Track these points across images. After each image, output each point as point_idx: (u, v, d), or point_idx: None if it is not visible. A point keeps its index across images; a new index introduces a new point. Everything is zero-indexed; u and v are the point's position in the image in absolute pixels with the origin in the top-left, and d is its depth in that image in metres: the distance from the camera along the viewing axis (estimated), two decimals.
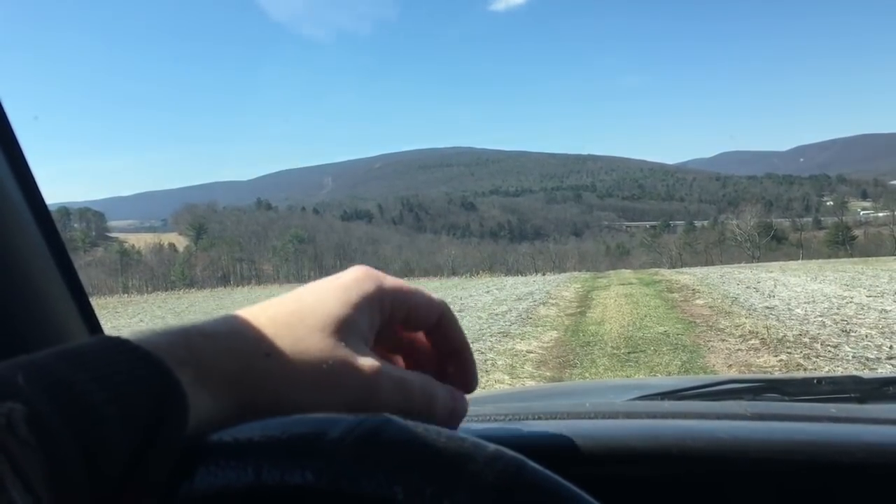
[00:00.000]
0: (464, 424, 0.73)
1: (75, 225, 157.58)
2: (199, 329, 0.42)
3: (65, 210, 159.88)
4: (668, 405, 0.88)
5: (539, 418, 0.78)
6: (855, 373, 1.27)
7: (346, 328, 0.44)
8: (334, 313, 0.45)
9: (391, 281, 0.49)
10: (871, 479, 0.63)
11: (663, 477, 0.66)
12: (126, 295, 52.14)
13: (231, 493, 0.35)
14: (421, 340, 0.53)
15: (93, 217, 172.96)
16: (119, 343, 0.38)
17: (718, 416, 0.75)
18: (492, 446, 0.36)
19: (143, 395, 0.36)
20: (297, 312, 0.45)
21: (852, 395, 1.12)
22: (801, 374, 1.88)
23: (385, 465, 0.34)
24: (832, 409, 0.78)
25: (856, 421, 0.74)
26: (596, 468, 0.66)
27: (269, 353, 0.42)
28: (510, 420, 0.78)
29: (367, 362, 0.44)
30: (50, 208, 0.79)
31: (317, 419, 0.38)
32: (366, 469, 0.34)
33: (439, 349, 0.53)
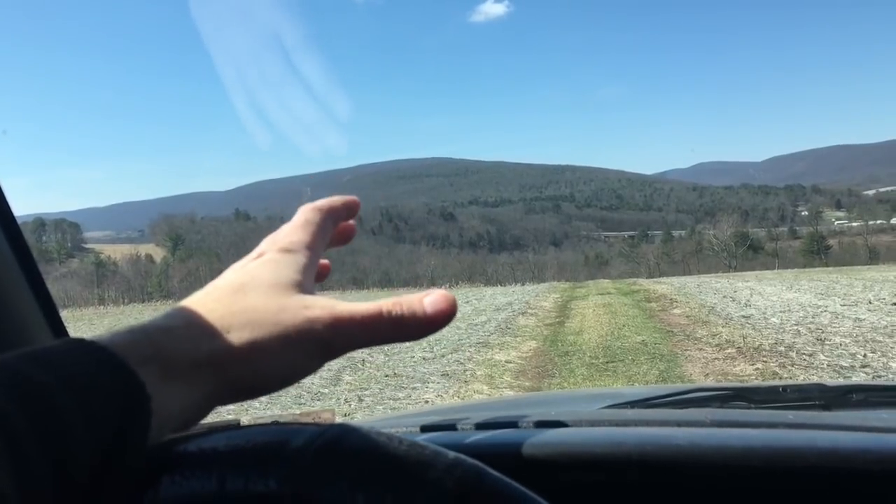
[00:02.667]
0: (429, 435, 0.76)
1: (50, 236, 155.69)
2: (156, 325, 0.43)
3: (40, 221, 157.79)
4: (631, 413, 0.90)
5: (504, 427, 0.79)
6: (824, 380, 1.30)
7: (290, 287, 0.46)
8: (271, 279, 0.46)
9: (292, 235, 0.51)
10: (826, 484, 0.64)
11: (624, 483, 0.67)
12: (102, 306, 51.41)
13: (195, 502, 0.35)
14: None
15: (68, 228, 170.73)
16: (83, 345, 0.39)
17: (679, 424, 0.77)
18: (452, 454, 0.36)
19: (107, 397, 0.36)
20: (239, 288, 0.46)
21: (817, 402, 1.15)
22: (767, 383, 1.92)
23: (347, 473, 0.34)
24: (790, 415, 0.80)
25: (813, 427, 0.75)
26: (557, 475, 0.67)
27: (228, 329, 0.43)
28: (475, 430, 0.79)
29: (319, 308, 0.45)
30: (25, 219, 0.80)
31: (280, 429, 0.38)
32: (328, 477, 0.34)
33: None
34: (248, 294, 0.45)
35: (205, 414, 0.43)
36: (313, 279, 0.50)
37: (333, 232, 0.55)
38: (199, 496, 0.35)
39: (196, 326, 0.43)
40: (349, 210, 0.57)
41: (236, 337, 0.43)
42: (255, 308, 0.44)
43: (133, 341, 0.41)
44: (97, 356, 0.38)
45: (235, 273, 0.48)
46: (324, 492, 0.34)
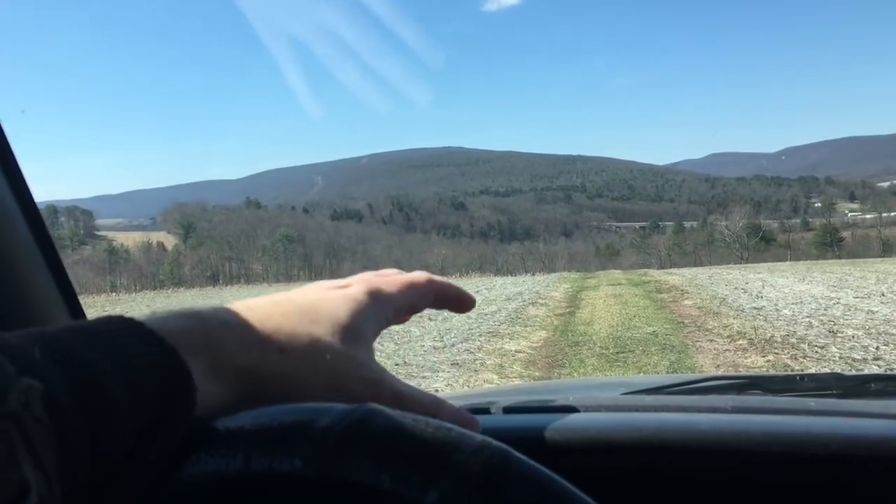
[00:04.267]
0: None
1: (63, 223, 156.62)
2: (216, 317, 0.43)
3: (53, 208, 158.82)
4: (650, 399, 0.89)
5: (527, 412, 0.79)
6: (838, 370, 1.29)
7: (356, 336, 0.46)
8: (346, 321, 0.46)
9: (390, 289, 0.51)
10: (848, 470, 0.64)
11: (644, 468, 0.67)
12: (114, 293, 51.84)
13: (220, 479, 0.36)
14: None
15: (81, 215, 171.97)
16: (133, 325, 0.38)
17: (700, 410, 0.76)
18: (478, 437, 0.36)
19: (154, 381, 0.36)
20: (310, 313, 0.46)
21: (834, 391, 1.13)
22: (784, 372, 1.91)
23: (372, 453, 0.34)
24: (811, 403, 0.79)
25: (834, 414, 0.75)
26: (579, 459, 0.67)
27: (283, 349, 0.43)
28: (496, 413, 0.79)
29: (373, 374, 0.46)
30: (38, 206, 0.80)
31: (307, 408, 0.38)
32: (353, 457, 0.34)
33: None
34: (317, 323, 0.45)
35: (227, 414, 0.41)
36: (378, 333, 0.50)
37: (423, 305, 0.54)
38: (225, 474, 0.36)
39: (254, 333, 0.43)
40: (460, 302, 0.55)
41: (288, 360, 0.43)
42: (318, 342, 0.44)
43: (188, 328, 0.40)
44: (147, 339, 0.38)
45: (315, 294, 0.49)
46: (349, 472, 0.34)
